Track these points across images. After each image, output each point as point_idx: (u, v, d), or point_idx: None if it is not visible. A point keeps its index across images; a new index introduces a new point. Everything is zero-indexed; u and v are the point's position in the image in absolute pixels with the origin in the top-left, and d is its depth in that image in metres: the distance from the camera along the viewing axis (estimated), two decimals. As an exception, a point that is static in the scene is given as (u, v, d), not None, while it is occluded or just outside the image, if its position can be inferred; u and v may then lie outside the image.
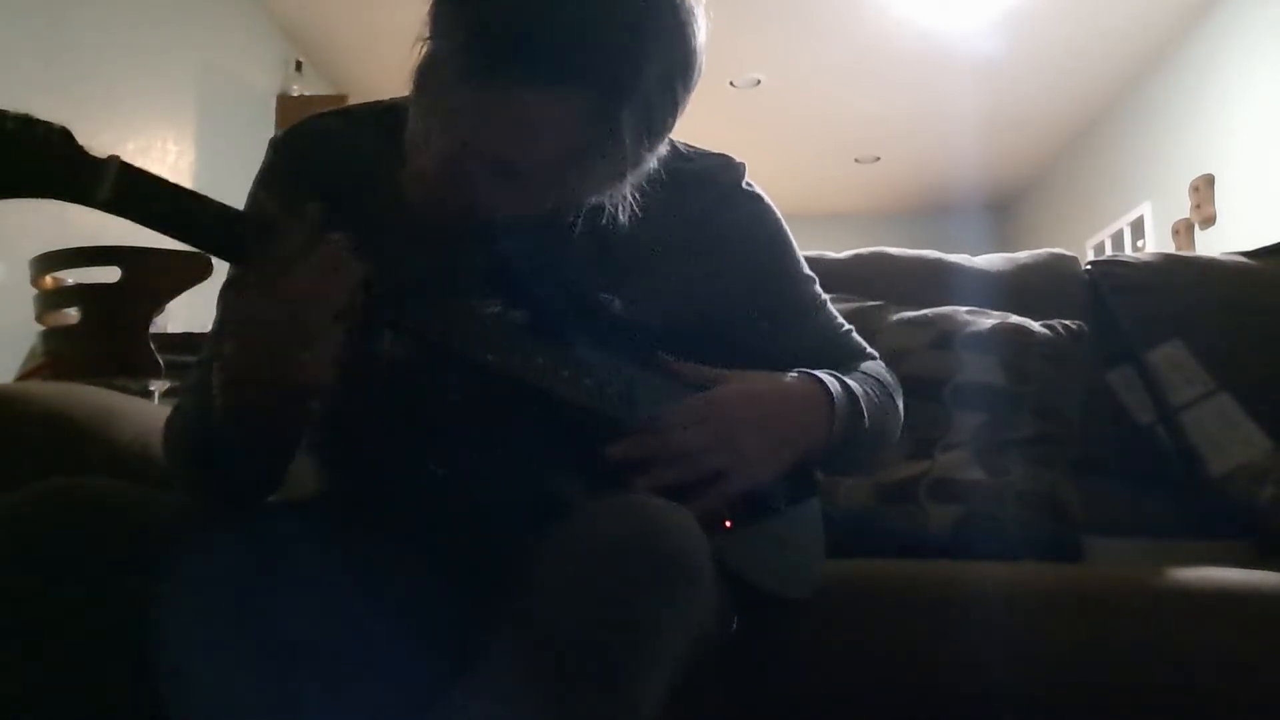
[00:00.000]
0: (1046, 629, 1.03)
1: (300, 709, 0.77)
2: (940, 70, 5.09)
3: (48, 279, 2.23)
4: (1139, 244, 5.13)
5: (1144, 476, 1.55)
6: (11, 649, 0.68)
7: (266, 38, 4.54)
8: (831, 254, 1.65)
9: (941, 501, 1.34)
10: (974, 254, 1.76)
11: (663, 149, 0.85)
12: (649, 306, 0.94)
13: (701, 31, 0.81)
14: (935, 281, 1.64)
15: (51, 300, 2.19)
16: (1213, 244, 4.31)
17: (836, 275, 1.11)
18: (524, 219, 0.85)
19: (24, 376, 2.22)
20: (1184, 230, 4.58)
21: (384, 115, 0.93)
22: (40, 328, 2.20)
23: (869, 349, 1.12)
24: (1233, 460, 1.48)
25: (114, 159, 0.72)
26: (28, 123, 0.68)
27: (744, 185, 1.03)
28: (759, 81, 5.32)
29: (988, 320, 1.48)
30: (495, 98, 0.76)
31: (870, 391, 1.01)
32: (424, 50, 0.80)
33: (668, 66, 0.79)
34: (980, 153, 6.23)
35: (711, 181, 1.01)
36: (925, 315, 1.51)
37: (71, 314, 2.16)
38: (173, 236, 0.74)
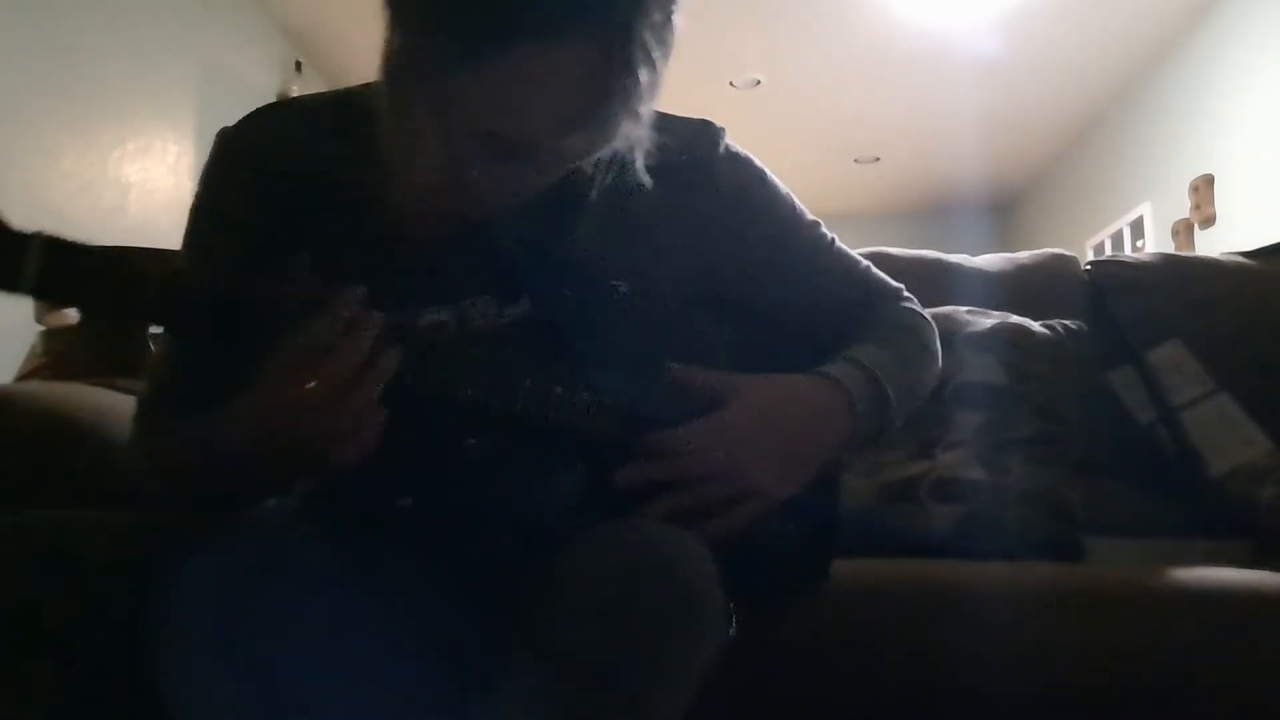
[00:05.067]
0: (1047, 629, 1.03)
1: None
2: (940, 70, 5.08)
3: (48, 279, 2.22)
4: (1139, 244, 5.13)
5: (1144, 476, 1.56)
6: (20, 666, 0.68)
7: (266, 38, 4.53)
8: (832, 254, 1.65)
9: (942, 501, 1.34)
10: (974, 254, 1.77)
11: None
12: (659, 281, 0.89)
13: None
14: (935, 281, 1.64)
15: (51, 300, 2.19)
16: (1212, 244, 4.30)
17: (837, 275, 1.10)
18: (531, 201, 0.80)
19: (24, 377, 2.21)
20: (1184, 230, 4.58)
21: (337, 110, 0.85)
22: (40, 328, 2.20)
23: (893, 283, 1.06)
24: (1233, 460, 1.48)
25: (39, 235, 0.60)
26: None
27: (722, 150, 0.95)
28: (759, 81, 5.32)
29: (988, 320, 1.48)
30: (498, 76, 0.68)
31: (896, 357, 0.96)
32: (393, 45, 0.71)
33: None
34: (980, 153, 6.22)
35: (689, 153, 0.93)
36: (925, 315, 1.51)
37: (71, 314, 2.15)
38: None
